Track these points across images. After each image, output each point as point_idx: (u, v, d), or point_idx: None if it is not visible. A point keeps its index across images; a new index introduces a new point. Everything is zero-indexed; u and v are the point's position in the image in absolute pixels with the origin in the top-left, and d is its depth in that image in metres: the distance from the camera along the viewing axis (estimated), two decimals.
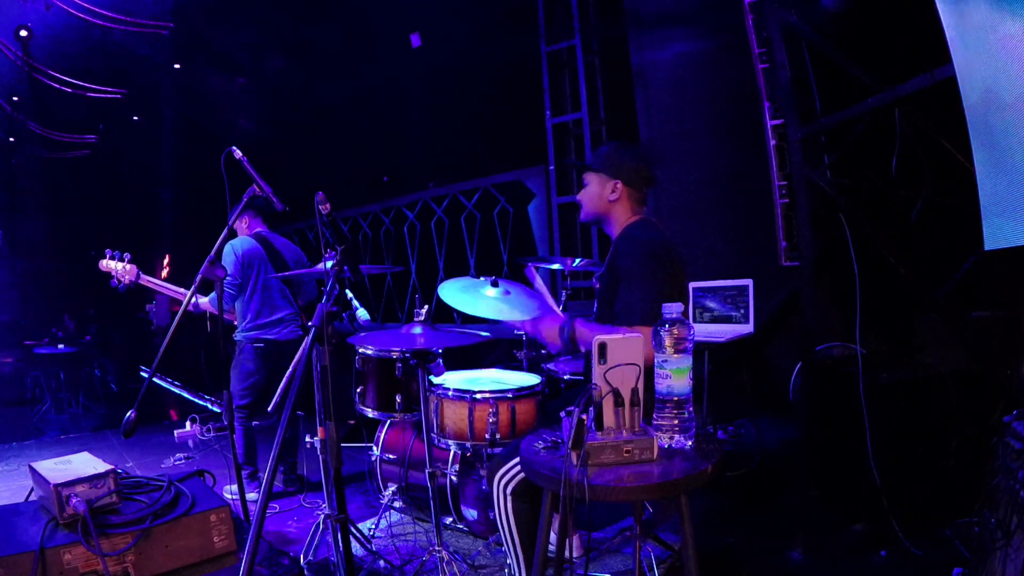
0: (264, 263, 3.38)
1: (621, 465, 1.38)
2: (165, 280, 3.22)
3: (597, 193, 2.04)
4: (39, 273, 7.84)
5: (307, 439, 2.63)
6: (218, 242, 2.30)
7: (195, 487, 1.70)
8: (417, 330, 2.34)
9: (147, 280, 3.09)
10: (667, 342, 1.44)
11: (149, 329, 8.12)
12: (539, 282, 2.24)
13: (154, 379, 2.23)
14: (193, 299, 3.09)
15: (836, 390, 2.68)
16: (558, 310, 2.13)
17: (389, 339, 2.48)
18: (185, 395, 5.92)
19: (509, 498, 1.82)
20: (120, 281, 3.00)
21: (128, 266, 3.00)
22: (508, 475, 1.82)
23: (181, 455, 4.33)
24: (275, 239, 3.53)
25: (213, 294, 3.19)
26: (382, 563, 2.51)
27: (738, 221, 3.60)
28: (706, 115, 3.78)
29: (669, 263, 1.86)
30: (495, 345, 4.80)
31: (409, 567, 2.48)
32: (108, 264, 3.00)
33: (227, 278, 3.26)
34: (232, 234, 3.24)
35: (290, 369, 3.06)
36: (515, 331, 3.20)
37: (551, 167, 4.67)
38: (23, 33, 5.12)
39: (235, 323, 3.48)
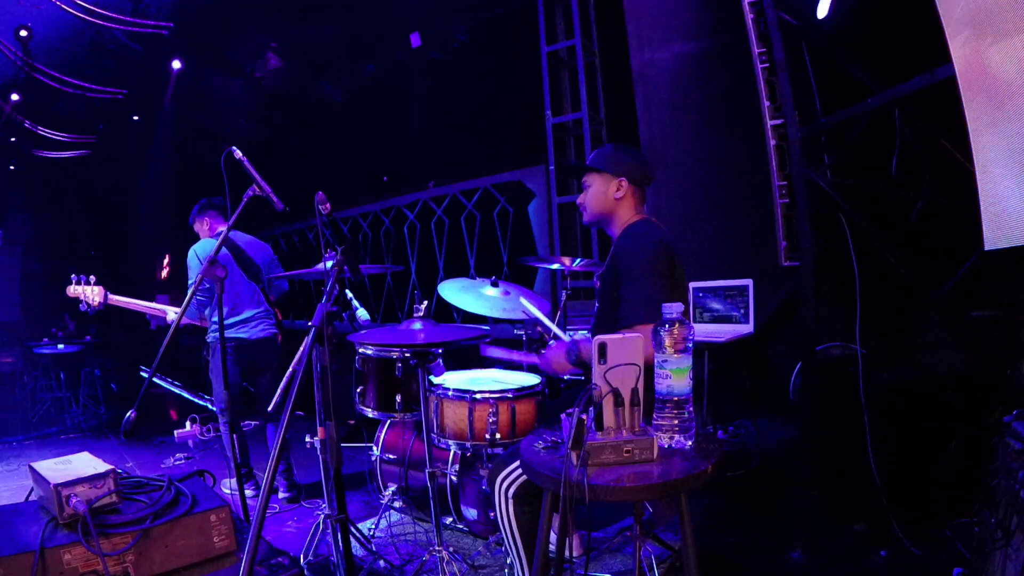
0: (230, 264, 3.34)
1: (621, 465, 1.38)
2: (164, 279, 3.22)
3: (602, 192, 2.03)
4: (39, 273, 7.84)
5: (307, 439, 2.63)
6: (218, 242, 2.30)
7: (195, 487, 1.69)
8: (417, 325, 2.34)
9: (116, 300, 3.09)
10: (667, 342, 1.44)
11: (149, 329, 8.12)
12: (533, 311, 2.27)
13: (154, 379, 2.23)
14: (164, 315, 3.11)
15: (836, 390, 2.68)
16: (559, 332, 2.14)
17: (390, 335, 2.48)
18: (185, 395, 5.92)
19: (511, 501, 1.82)
20: (90, 304, 2.99)
21: (96, 288, 2.99)
22: (509, 478, 1.82)
23: (181, 455, 4.34)
24: (239, 238, 3.49)
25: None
26: (382, 563, 2.51)
27: (738, 221, 3.60)
28: (706, 115, 3.77)
29: (669, 262, 1.86)
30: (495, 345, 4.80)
31: (409, 567, 2.48)
32: (76, 289, 2.98)
33: (194, 284, 3.24)
34: (237, 229, 3.22)
35: (290, 369, 3.06)
36: (515, 331, 3.19)
37: (551, 167, 4.66)
38: (23, 33, 5.12)
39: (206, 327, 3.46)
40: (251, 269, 3.38)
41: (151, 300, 3.24)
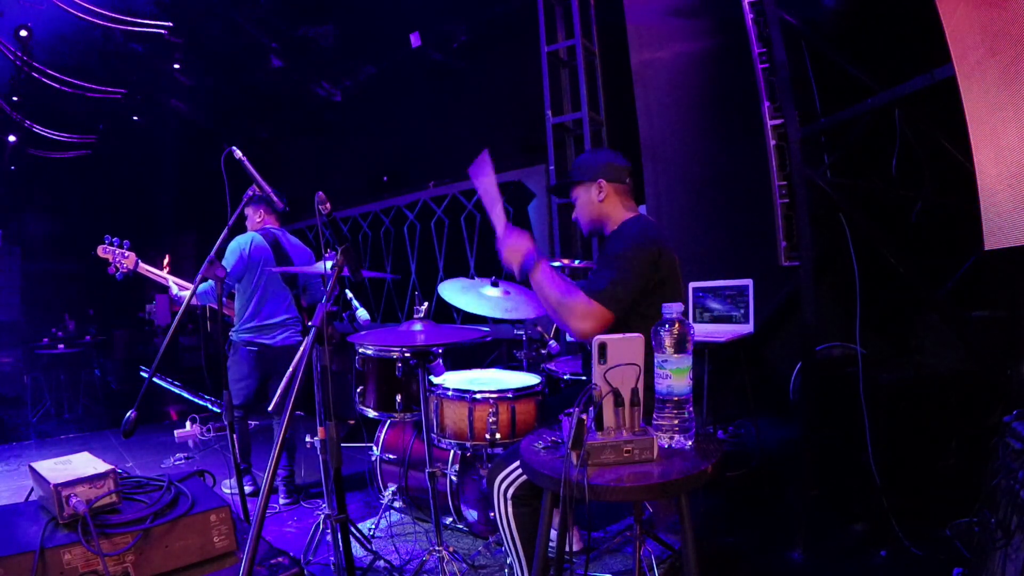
0: (270, 265, 3.31)
1: (621, 465, 1.38)
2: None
3: (587, 200, 2.06)
4: (39, 273, 7.85)
5: (307, 439, 2.62)
6: (219, 242, 2.30)
7: (195, 487, 1.69)
8: (417, 327, 2.34)
9: (145, 269, 3.05)
10: (667, 342, 1.44)
11: (149, 329, 8.13)
12: (492, 183, 2.05)
13: (154, 379, 2.22)
14: (177, 291, 3.07)
15: (836, 390, 2.68)
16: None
17: (390, 336, 2.48)
18: (185, 395, 5.92)
19: (509, 502, 1.82)
20: (118, 268, 2.96)
21: (127, 253, 2.96)
22: (508, 479, 1.82)
23: (181, 455, 4.33)
24: (285, 239, 3.45)
25: (203, 286, 3.19)
26: (382, 563, 2.51)
27: (738, 221, 3.60)
28: (706, 115, 3.78)
29: (652, 256, 1.84)
30: (495, 345, 4.81)
31: (409, 567, 2.48)
32: (108, 249, 2.95)
33: (226, 277, 3.24)
34: (237, 228, 3.20)
35: (290, 369, 3.06)
36: (515, 331, 3.19)
37: (551, 167, 4.66)
38: (23, 33, 5.12)
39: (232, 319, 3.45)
40: (288, 274, 3.34)
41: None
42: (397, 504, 2.96)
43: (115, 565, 1.40)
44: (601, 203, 2.03)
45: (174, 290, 3.17)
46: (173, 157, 8.00)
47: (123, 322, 7.96)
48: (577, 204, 2.10)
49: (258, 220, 3.47)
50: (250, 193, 2.32)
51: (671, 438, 1.48)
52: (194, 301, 3.15)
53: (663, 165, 3.94)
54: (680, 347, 1.44)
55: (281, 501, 3.33)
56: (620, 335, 1.42)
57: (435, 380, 2.47)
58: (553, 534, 1.55)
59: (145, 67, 5.95)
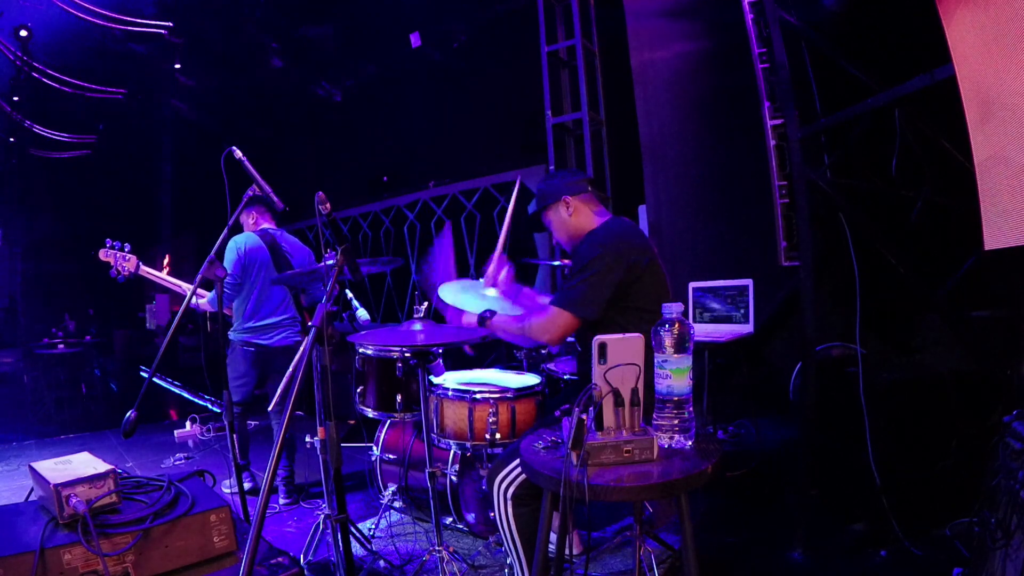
0: (266, 265, 3.31)
1: (621, 465, 1.38)
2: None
3: (560, 220, 2.12)
4: (39, 273, 7.84)
5: (307, 439, 2.62)
6: (218, 242, 2.30)
7: (195, 487, 1.69)
8: (417, 327, 2.34)
9: (147, 271, 3.06)
10: (667, 342, 1.44)
11: (146, 329, 8.12)
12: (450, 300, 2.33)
13: (154, 379, 2.22)
14: (193, 298, 3.08)
15: (836, 390, 2.68)
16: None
17: (390, 336, 2.48)
18: (185, 395, 5.92)
19: (509, 502, 1.82)
20: (119, 272, 2.97)
21: (128, 256, 2.98)
22: (508, 479, 1.82)
23: (181, 455, 4.33)
24: (283, 238, 3.45)
25: (213, 292, 3.19)
26: (382, 563, 2.51)
27: (738, 221, 3.60)
28: (706, 115, 3.78)
29: (618, 254, 1.87)
30: (495, 345, 4.80)
31: (409, 567, 2.48)
32: (109, 253, 2.97)
33: (226, 277, 3.25)
34: (236, 229, 3.22)
35: (290, 369, 3.06)
36: None
37: (551, 167, 4.66)
38: (23, 33, 5.12)
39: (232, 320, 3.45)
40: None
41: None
42: (397, 504, 2.96)
43: (115, 565, 1.40)
44: (572, 217, 2.09)
45: (202, 301, 3.19)
46: (173, 157, 8.00)
47: (123, 322, 7.97)
48: (552, 228, 2.16)
49: (252, 223, 3.47)
50: (250, 193, 2.31)
51: (671, 438, 1.48)
52: (209, 308, 3.17)
53: (663, 165, 3.94)
54: (680, 347, 1.44)
55: (281, 501, 3.32)
56: (620, 335, 1.42)
57: (435, 380, 2.47)
58: (553, 536, 1.54)
59: (145, 67, 5.94)
